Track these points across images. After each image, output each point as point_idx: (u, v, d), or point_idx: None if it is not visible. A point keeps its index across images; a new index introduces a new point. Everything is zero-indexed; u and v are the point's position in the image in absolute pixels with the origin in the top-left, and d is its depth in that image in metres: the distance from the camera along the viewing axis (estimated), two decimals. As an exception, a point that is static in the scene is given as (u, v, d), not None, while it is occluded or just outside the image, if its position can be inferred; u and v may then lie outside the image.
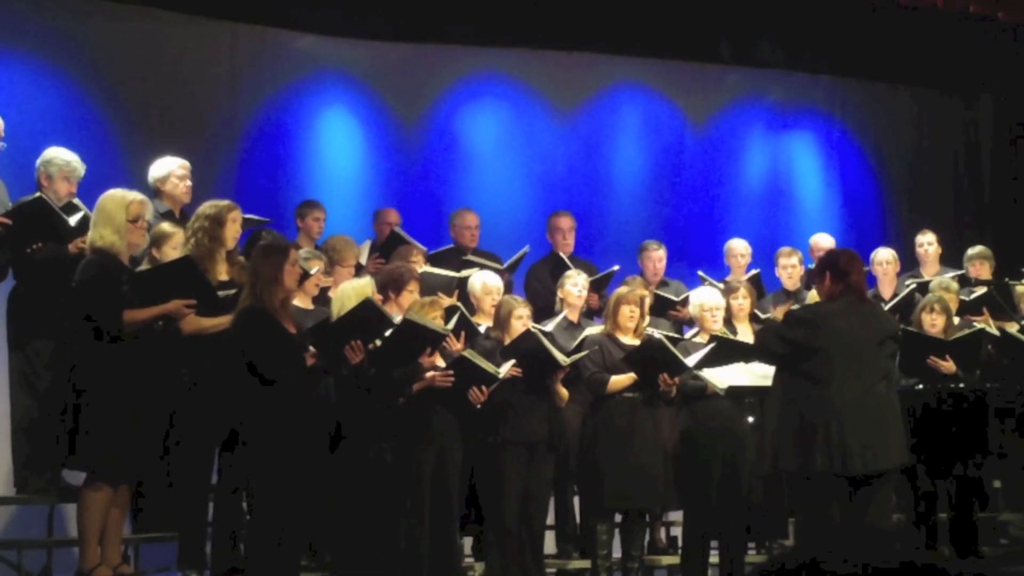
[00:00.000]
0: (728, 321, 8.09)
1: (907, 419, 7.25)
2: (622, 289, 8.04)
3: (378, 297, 6.98)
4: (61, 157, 7.29)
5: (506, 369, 7.19)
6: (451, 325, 7.14)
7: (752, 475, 7.82)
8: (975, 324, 8.45)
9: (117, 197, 6.48)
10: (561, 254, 9.28)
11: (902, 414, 6.68)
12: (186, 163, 7.84)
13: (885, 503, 6.62)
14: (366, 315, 6.66)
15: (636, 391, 7.70)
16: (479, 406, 7.15)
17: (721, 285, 8.80)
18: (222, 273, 6.95)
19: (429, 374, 6.98)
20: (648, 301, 8.36)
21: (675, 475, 7.78)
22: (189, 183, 7.78)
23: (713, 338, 7.62)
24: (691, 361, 7.55)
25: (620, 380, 7.70)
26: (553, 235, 9.54)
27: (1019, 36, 11.88)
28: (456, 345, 7.31)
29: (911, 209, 12.47)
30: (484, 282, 8.01)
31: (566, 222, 9.53)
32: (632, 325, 7.87)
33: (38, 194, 7.04)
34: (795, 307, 8.04)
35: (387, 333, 6.77)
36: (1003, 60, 12.20)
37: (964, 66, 12.33)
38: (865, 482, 6.45)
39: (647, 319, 8.26)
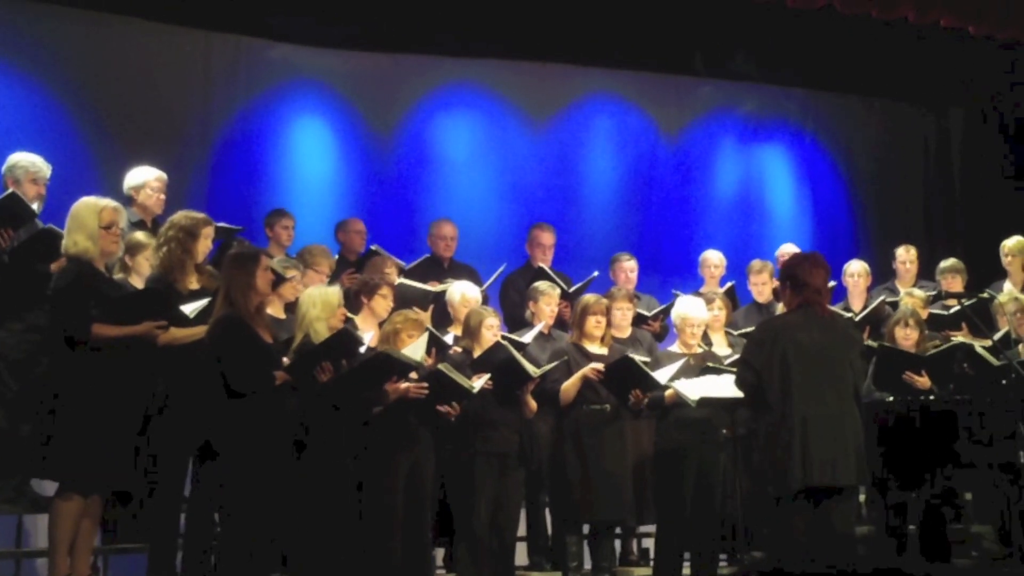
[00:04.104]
0: (703, 332, 8.10)
1: (878, 431, 7.27)
2: (589, 298, 8.01)
3: (342, 312, 6.97)
4: (26, 159, 7.43)
5: (480, 384, 7.19)
6: (423, 344, 7.12)
7: (728, 488, 7.82)
8: (952, 339, 8.47)
9: (90, 204, 6.50)
10: (540, 265, 9.27)
11: (873, 426, 6.67)
12: (163, 175, 7.87)
13: (848, 513, 6.61)
14: (341, 343, 6.73)
15: (605, 404, 7.70)
16: (452, 419, 7.15)
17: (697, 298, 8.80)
18: (193, 283, 6.94)
19: (403, 385, 6.98)
20: (630, 313, 8.35)
21: (649, 487, 7.79)
22: (163, 196, 7.81)
23: (703, 369, 7.62)
24: (663, 377, 7.55)
25: (569, 383, 7.69)
26: (533, 248, 9.55)
27: (990, 50, 11.94)
28: (428, 361, 7.31)
29: (882, 221, 12.53)
30: (463, 293, 8.05)
31: (548, 237, 9.55)
32: (599, 334, 7.87)
33: (11, 190, 7.11)
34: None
35: (359, 359, 6.82)
36: (974, 73, 12.28)
37: (935, 79, 12.40)
38: (828, 494, 6.45)
39: (629, 330, 8.28)
